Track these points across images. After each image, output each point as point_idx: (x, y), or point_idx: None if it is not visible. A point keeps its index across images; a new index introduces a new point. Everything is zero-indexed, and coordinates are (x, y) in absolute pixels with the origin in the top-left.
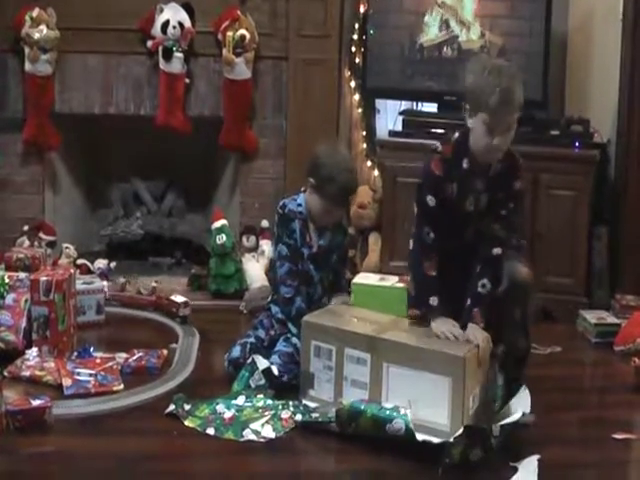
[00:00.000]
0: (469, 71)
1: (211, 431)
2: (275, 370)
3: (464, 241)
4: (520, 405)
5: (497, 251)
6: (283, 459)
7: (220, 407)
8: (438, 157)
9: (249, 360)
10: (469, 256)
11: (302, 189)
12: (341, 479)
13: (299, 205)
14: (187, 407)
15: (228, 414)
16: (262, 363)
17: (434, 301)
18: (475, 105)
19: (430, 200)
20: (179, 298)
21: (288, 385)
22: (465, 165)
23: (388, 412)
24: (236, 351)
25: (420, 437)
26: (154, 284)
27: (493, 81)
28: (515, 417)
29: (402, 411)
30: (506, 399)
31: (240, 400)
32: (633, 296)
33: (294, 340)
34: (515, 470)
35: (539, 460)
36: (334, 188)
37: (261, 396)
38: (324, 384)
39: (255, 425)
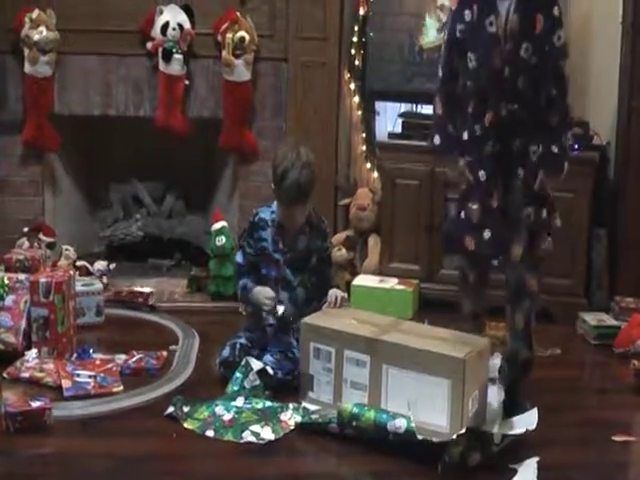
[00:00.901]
0: None
1: (210, 433)
2: (269, 370)
3: (492, 74)
4: (526, 421)
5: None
6: (283, 461)
7: (219, 409)
8: None
9: (243, 362)
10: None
11: None
12: None
13: (273, 212)
14: (186, 409)
15: (227, 416)
16: (256, 364)
17: (436, 140)
18: None
19: (451, 31)
20: (145, 289)
21: (284, 382)
22: None
23: (391, 414)
24: (226, 351)
25: (420, 436)
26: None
27: None
28: (519, 431)
29: (404, 414)
30: (510, 410)
31: (239, 402)
32: (632, 298)
33: (285, 338)
34: (515, 472)
35: (539, 462)
36: (284, 186)
37: (260, 398)
38: (323, 386)
39: (255, 427)
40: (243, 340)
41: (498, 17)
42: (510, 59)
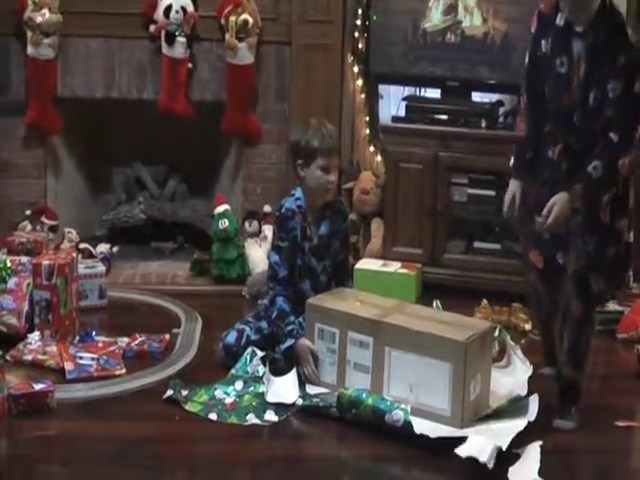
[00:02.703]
0: None
1: (213, 416)
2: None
3: (562, 113)
4: (528, 412)
5: (614, 137)
6: (285, 443)
7: (219, 392)
8: (537, 13)
9: (248, 350)
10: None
11: (298, 183)
12: (343, 463)
13: (297, 199)
14: (185, 392)
15: (229, 400)
16: (260, 352)
17: (511, 161)
18: None
19: (526, 57)
20: None
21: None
22: (559, 21)
23: (389, 403)
24: (231, 337)
25: (418, 430)
26: None
27: None
28: (519, 429)
29: (402, 405)
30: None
31: (238, 386)
32: (636, 284)
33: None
34: (518, 456)
35: (541, 447)
36: (317, 142)
37: (260, 383)
38: (327, 367)
39: (258, 410)
40: (252, 336)
41: (570, 58)
42: (579, 105)
